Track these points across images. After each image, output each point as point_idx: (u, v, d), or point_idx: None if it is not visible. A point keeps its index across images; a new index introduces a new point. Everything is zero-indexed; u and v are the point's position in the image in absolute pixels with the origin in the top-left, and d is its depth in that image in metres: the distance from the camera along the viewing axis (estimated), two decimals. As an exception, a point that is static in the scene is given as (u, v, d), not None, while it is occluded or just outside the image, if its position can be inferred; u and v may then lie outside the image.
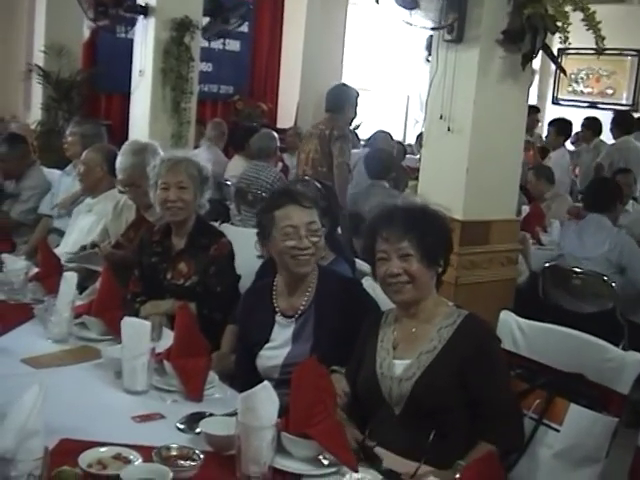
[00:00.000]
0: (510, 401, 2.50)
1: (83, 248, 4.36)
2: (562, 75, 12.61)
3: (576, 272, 5.21)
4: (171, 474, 1.97)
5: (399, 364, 2.52)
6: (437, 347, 2.48)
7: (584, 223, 5.42)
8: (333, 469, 2.16)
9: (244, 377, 2.90)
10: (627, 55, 12.66)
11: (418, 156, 8.35)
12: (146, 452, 2.10)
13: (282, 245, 2.85)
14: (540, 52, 4.40)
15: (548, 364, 2.66)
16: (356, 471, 2.15)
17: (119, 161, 4.26)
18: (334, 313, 2.88)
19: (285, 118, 11.50)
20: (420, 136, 10.95)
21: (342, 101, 6.31)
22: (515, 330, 2.79)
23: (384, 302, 2.80)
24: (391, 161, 6.68)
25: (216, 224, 4.03)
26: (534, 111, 9.15)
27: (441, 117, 4.50)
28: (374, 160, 6.45)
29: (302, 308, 2.94)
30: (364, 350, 2.65)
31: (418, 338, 2.54)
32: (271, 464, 2.09)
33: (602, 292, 4.92)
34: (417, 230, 2.53)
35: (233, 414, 2.22)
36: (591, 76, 13.47)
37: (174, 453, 2.11)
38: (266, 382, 2.19)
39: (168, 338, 2.94)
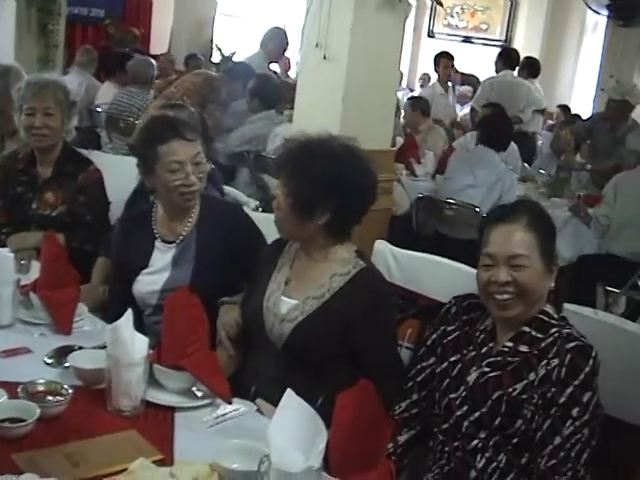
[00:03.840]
0: (393, 365, 2.45)
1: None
2: (438, 8, 12.74)
3: (449, 203, 5.34)
4: (38, 410, 1.91)
5: (285, 302, 2.46)
6: (325, 295, 2.41)
7: (475, 153, 5.59)
8: (207, 401, 2.14)
9: (118, 308, 2.72)
10: (501, -9, 12.91)
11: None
12: (12, 388, 2.03)
13: (169, 183, 2.75)
14: (417, -17, 4.40)
15: (421, 293, 2.70)
16: (230, 403, 2.14)
17: (-20, 84, 4.04)
18: (217, 238, 2.81)
19: (158, 44, 11.22)
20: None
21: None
22: (389, 259, 2.82)
23: (268, 234, 2.76)
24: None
25: (86, 152, 3.89)
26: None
27: (317, 45, 4.44)
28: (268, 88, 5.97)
29: (184, 234, 2.85)
30: (260, 277, 2.57)
31: (310, 280, 2.46)
32: (143, 397, 2.06)
33: (474, 222, 5.04)
34: (288, 170, 2.44)
35: (103, 347, 2.16)
36: (466, 11, 13.67)
37: (41, 388, 2.05)
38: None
39: (36, 271, 2.80)
